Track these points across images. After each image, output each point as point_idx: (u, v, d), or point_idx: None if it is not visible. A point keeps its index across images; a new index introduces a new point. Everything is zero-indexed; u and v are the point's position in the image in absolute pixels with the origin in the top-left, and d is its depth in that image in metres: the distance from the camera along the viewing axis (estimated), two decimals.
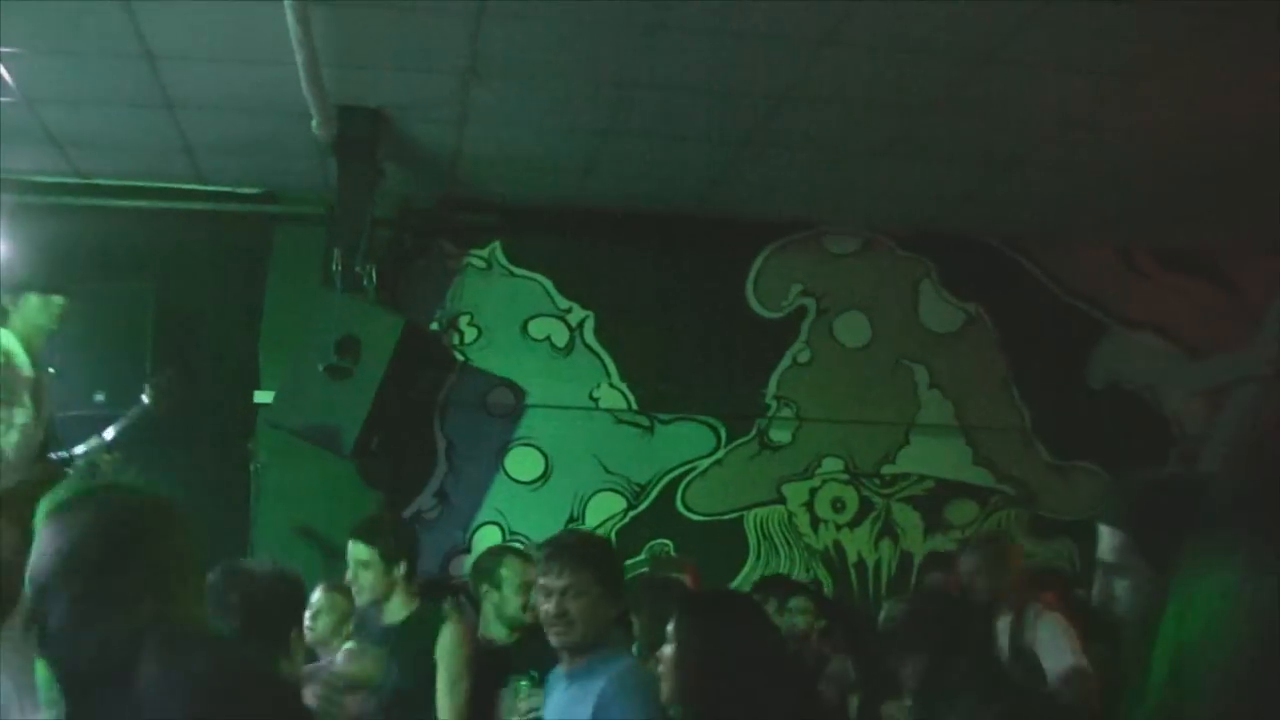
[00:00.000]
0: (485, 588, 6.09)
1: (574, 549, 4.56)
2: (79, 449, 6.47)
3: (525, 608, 5.78)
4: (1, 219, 7.66)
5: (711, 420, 8.52)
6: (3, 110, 7.03)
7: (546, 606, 4.44)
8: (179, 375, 7.03)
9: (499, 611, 5.98)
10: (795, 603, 7.14)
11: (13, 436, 6.05)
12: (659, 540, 8.29)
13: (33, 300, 6.25)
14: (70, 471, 6.13)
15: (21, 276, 6.40)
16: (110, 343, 7.65)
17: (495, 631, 5.99)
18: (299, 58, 6.00)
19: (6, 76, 6.63)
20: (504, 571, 6.03)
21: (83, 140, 7.56)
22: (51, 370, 6.51)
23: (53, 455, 6.35)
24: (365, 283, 7.18)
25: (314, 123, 6.76)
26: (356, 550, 5.52)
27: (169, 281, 7.92)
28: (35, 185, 7.99)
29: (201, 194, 8.16)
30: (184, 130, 7.31)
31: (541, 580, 4.49)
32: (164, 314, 7.83)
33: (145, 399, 6.67)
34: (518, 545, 7.32)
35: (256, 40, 6.11)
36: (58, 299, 6.30)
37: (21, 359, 6.16)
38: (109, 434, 6.48)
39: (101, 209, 8.06)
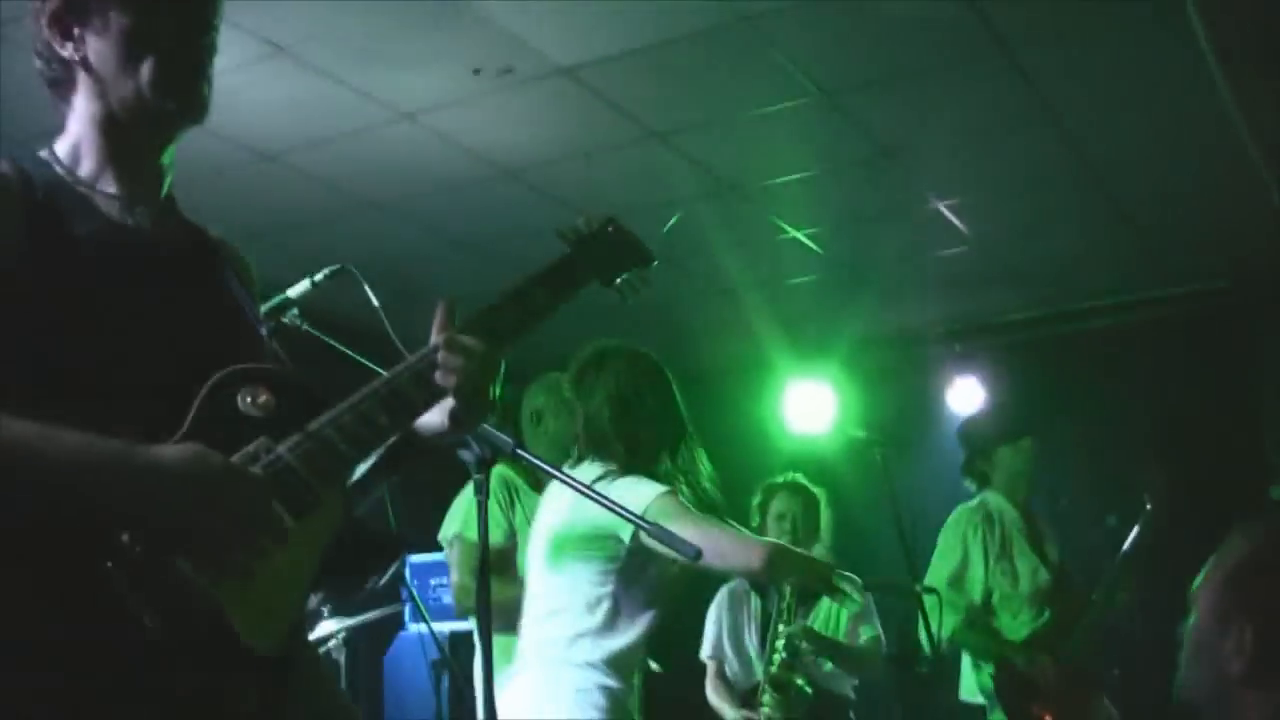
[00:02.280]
0: None
1: None
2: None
3: None
4: (976, 369, 7.91)
5: None
6: (958, 260, 7.29)
7: None
8: (1177, 477, 6.76)
9: None
10: None
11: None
12: None
13: (1004, 450, 6.33)
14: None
15: (989, 429, 6.49)
16: (1112, 464, 7.62)
17: None
18: (1246, 135, 5.69)
19: (960, 226, 6.84)
20: None
21: (1040, 271, 7.60)
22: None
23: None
24: None
25: (1277, 197, 6.37)
26: None
27: (1154, 389, 7.77)
28: (1000, 326, 8.20)
29: (1173, 298, 7.93)
30: (1144, 236, 7.14)
31: None
32: (1158, 423, 7.71)
33: (1149, 507, 6.46)
34: None
35: (1193, 131, 5.89)
36: (1025, 442, 6.34)
37: (1010, 514, 6.19)
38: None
39: (1070, 335, 8.12)
